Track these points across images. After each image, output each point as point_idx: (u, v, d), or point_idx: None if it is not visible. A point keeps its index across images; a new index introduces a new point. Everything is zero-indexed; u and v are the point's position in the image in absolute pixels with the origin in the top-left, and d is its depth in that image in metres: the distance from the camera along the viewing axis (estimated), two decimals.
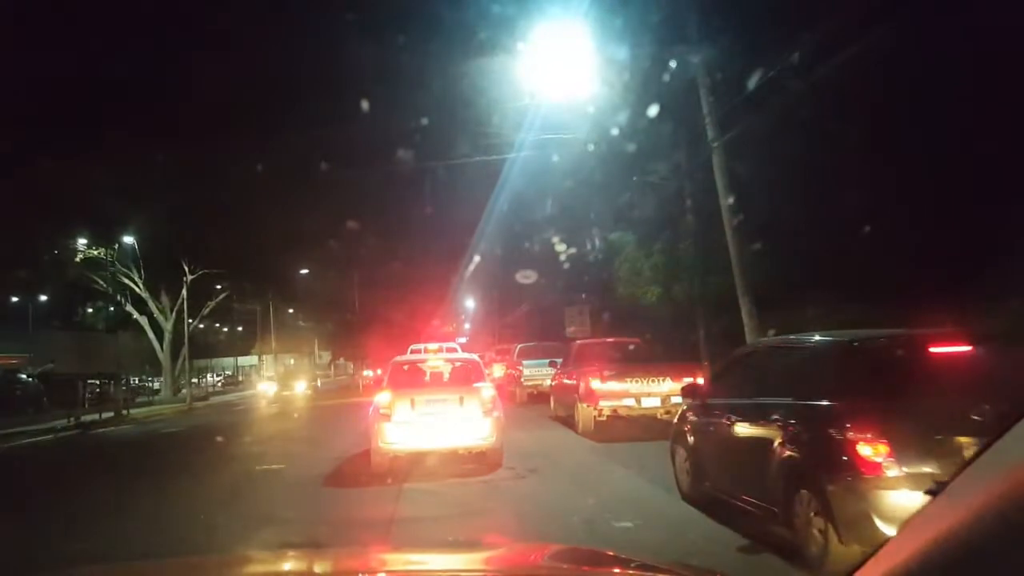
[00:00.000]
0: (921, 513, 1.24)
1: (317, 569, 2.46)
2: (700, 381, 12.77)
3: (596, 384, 12.23)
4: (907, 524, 1.27)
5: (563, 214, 22.42)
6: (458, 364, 10.30)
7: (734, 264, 12.42)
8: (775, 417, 5.20)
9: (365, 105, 21.23)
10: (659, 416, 12.29)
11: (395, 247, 46.34)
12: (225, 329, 61.43)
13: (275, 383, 32.47)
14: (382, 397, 9.21)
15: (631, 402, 12.21)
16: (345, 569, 2.44)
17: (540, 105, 14.09)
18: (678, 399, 12.01)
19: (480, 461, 9.25)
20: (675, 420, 7.42)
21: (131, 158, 25.37)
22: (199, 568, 2.69)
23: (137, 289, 29.09)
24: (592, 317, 24.81)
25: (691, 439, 6.78)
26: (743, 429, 5.71)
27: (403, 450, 9.08)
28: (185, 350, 30.30)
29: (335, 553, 3.23)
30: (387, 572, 2.44)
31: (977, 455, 1.16)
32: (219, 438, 16.22)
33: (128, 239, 27.25)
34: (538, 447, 11.22)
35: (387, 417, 8.96)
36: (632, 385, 12.22)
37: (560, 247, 23.47)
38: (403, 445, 9.01)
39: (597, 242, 19.66)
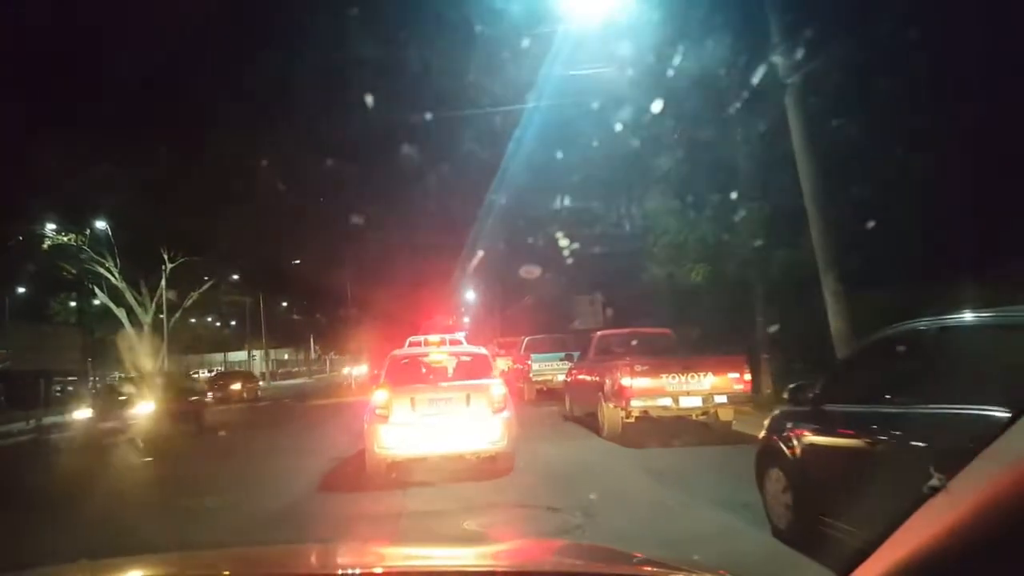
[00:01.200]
0: (922, 510, 1.22)
1: (323, 564, 2.40)
2: (748, 377, 11.32)
3: (627, 381, 10.70)
4: (908, 521, 1.25)
5: (575, 192, 20.34)
6: (463, 358, 9.16)
7: (814, 232, 10.29)
8: (974, 434, 3.35)
9: (359, 87, 19.50)
10: (695, 417, 11.07)
11: (391, 238, 44.22)
12: (219, 324, 59.32)
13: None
14: (378, 396, 8.28)
15: (667, 402, 10.74)
16: (351, 563, 2.38)
17: (567, 34, 11.82)
18: (722, 398, 10.79)
19: (491, 467, 8.23)
20: (764, 431, 5.50)
21: (105, 136, 23.48)
22: (205, 562, 2.56)
23: (113, 279, 27.14)
24: (603, 307, 23.05)
25: (795, 457, 4.93)
26: (905, 452, 3.83)
27: (402, 455, 8.13)
28: (164, 346, 28.40)
29: (340, 548, 3.07)
30: (392, 566, 2.38)
31: (977, 453, 1.15)
32: (179, 447, 14.10)
33: (100, 224, 25.27)
34: (569, 462, 9.44)
35: (383, 418, 8.04)
36: (669, 382, 10.74)
37: (570, 234, 21.57)
38: (402, 450, 8.07)
39: (622, 216, 17.37)
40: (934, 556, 1.17)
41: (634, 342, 13.17)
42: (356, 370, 35.60)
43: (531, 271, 26.99)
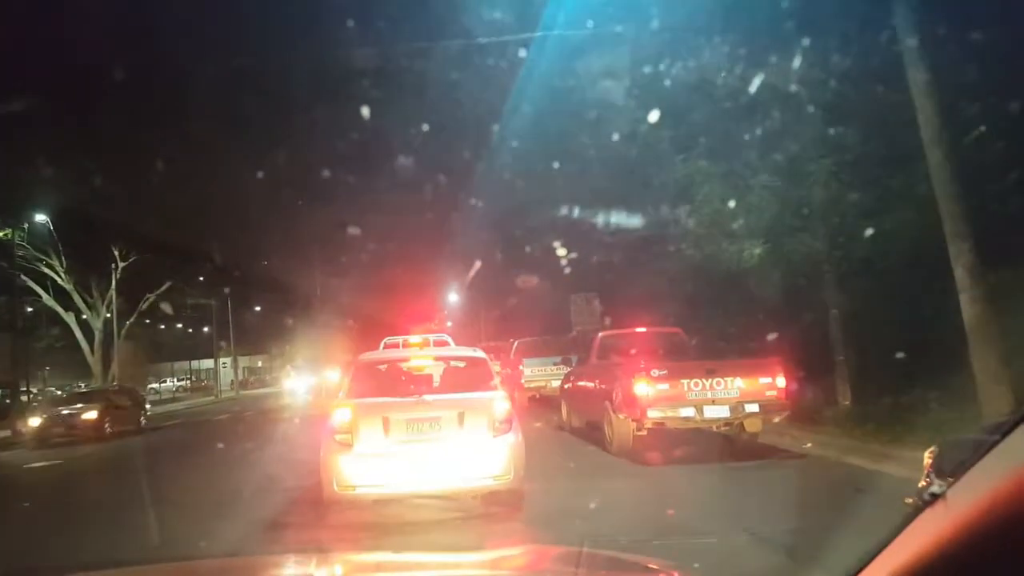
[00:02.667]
0: (920, 519, 1.21)
1: (322, 573, 2.39)
2: (782, 383, 9.51)
3: (642, 388, 9.10)
4: (907, 529, 1.24)
5: (571, 188, 18.40)
6: (455, 363, 7.36)
7: (937, 185, 7.93)
8: None
9: (341, 85, 17.73)
10: (715, 429, 9.62)
11: (368, 239, 41.90)
12: (190, 330, 56.82)
13: None
14: (338, 416, 6.37)
15: (690, 412, 9.11)
16: (350, 572, 2.42)
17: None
18: (753, 407, 9.10)
19: (488, 511, 6.52)
20: (928, 472, 3.55)
21: (50, 122, 21.46)
22: (202, 571, 2.63)
23: (59, 279, 24.87)
24: (600, 306, 21.42)
25: None
26: None
27: (371, 494, 6.34)
28: (115, 351, 26.18)
29: (341, 558, 2.99)
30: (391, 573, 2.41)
31: (978, 459, 1.12)
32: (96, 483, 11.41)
33: (41, 217, 23.03)
34: (583, 487, 7.72)
35: (346, 445, 6.21)
36: (692, 389, 9.25)
37: (565, 234, 19.74)
38: (371, 488, 6.24)
39: (628, 209, 15.13)
40: (932, 564, 1.14)
41: (643, 343, 11.70)
42: (292, 384, 30.03)
43: (528, 280, 25.63)
